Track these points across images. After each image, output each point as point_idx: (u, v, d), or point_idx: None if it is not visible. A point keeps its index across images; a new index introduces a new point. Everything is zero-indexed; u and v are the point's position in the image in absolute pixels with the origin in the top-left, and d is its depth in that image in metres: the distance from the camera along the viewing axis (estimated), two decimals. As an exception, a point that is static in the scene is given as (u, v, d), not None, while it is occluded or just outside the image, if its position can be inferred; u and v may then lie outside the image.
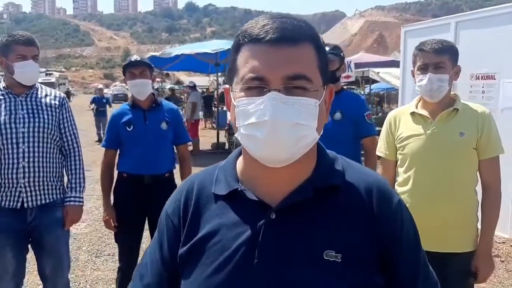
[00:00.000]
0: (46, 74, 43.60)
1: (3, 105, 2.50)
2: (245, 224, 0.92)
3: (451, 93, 2.23)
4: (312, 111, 0.86)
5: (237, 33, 0.91)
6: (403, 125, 2.27)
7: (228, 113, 0.95)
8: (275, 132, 0.83)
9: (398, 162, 2.30)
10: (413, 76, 2.25)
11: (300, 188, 0.92)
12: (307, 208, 0.91)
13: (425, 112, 2.21)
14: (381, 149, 2.40)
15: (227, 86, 0.95)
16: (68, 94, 34.72)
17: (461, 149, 2.12)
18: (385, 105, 20.34)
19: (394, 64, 11.20)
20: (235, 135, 0.91)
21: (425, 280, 0.99)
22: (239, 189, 0.94)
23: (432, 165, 2.15)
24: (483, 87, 5.29)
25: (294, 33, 0.85)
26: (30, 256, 2.71)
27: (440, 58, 2.11)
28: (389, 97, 19.68)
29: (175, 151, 3.26)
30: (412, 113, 2.25)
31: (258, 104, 0.84)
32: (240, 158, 1.01)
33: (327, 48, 3.20)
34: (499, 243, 4.98)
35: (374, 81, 13.91)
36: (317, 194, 0.92)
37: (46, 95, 2.64)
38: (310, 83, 0.86)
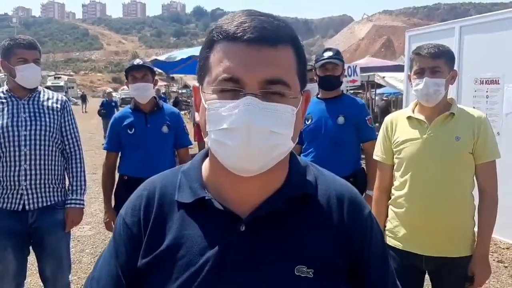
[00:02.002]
0: (55, 78, 44.09)
1: (5, 108, 2.54)
2: (212, 237, 0.85)
3: (448, 97, 2.23)
4: (289, 118, 0.80)
5: (210, 29, 0.85)
6: (399, 129, 2.27)
7: (196, 114, 0.92)
8: (248, 140, 0.76)
9: (395, 166, 2.29)
10: (410, 80, 2.25)
11: (271, 199, 0.87)
12: (278, 220, 0.86)
13: (421, 117, 2.20)
14: (378, 153, 2.40)
15: (196, 84, 0.88)
16: (85, 97, 35.60)
17: (457, 153, 2.11)
18: (393, 109, 20.23)
19: (400, 68, 11.19)
20: (205, 139, 0.84)
21: (394, 286, 0.99)
22: (206, 197, 0.87)
23: (429, 170, 2.14)
24: (487, 91, 5.28)
25: (274, 34, 0.79)
26: (33, 258, 2.74)
27: (436, 62, 2.11)
28: (396, 102, 19.58)
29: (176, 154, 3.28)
30: (409, 117, 2.24)
31: (232, 108, 0.77)
32: (206, 162, 0.93)
33: (330, 53, 3.22)
34: (503, 248, 4.94)
35: (380, 86, 13.87)
36: (288, 205, 0.87)
37: (48, 99, 2.68)
38: (288, 89, 0.80)
